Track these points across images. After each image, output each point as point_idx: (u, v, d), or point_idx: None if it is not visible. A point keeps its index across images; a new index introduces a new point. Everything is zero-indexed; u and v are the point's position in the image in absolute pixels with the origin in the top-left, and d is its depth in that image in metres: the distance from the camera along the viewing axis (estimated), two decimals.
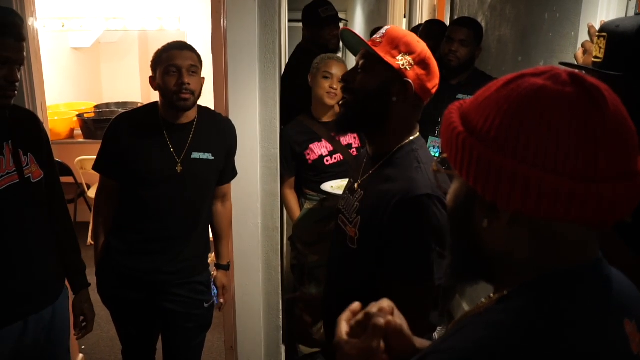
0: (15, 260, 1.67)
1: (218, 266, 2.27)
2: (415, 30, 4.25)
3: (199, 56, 1.97)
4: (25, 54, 1.57)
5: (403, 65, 1.36)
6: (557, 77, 0.63)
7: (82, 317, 1.97)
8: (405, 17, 6.05)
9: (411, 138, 1.41)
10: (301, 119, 2.67)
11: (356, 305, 0.89)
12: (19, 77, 1.56)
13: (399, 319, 0.88)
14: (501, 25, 2.88)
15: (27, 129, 1.74)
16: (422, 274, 1.31)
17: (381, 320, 0.83)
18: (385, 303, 0.88)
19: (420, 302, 1.34)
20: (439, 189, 1.30)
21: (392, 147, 1.40)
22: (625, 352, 0.65)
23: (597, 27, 1.86)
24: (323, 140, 2.64)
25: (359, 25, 9.23)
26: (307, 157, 2.61)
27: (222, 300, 2.26)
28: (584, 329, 0.63)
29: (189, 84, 1.89)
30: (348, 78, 1.43)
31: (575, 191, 0.59)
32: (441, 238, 1.30)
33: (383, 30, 1.41)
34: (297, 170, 2.69)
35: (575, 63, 1.60)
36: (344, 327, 0.86)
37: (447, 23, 3.72)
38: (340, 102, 1.46)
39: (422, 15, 5.32)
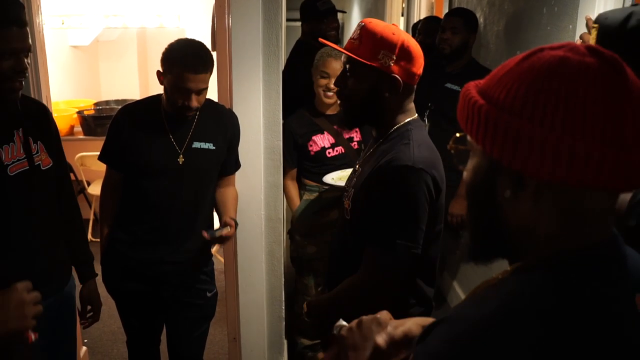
0: (22, 246, 1.67)
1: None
2: (414, 28, 4.29)
3: (211, 70, 1.94)
4: (30, 40, 1.54)
5: (386, 63, 1.44)
6: (576, 49, 0.65)
7: (89, 307, 1.98)
8: (402, 15, 6.09)
9: (408, 119, 1.51)
10: (304, 111, 2.71)
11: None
12: (27, 65, 1.53)
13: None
14: (499, 20, 2.92)
15: (37, 118, 1.75)
16: (391, 238, 1.41)
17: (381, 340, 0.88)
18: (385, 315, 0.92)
19: (387, 266, 1.44)
20: (431, 166, 1.41)
21: (391, 128, 1.51)
22: (637, 328, 0.65)
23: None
24: (325, 132, 2.68)
25: (356, 24, 9.24)
26: (310, 148, 2.65)
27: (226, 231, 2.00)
28: (602, 306, 0.64)
29: (196, 105, 1.92)
30: (340, 84, 1.53)
31: (606, 157, 0.60)
32: (414, 207, 1.40)
33: (358, 29, 1.47)
34: (298, 162, 2.72)
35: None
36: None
37: None
38: (339, 103, 1.58)
39: (420, 13, 5.35)
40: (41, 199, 1.72)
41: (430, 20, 3.66)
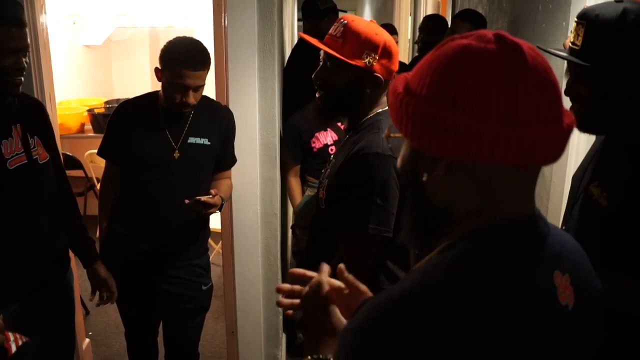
0: (22, 238, 1.73)
1: None
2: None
3: (209, 67, 1.98)
4: (29, 40, 1.63)
5: (369, 62, 1.48)
6: (483, 36, 0.68)
7: (103, 288, 2.06)
8: (410, 15, 6.09)
9: (379, 110, 1.56)
10: (311, 107, 2.74)
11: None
12: (25, 64, 1.62)
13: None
14: (498, 18, 2.93)
15: (34, 114, 1.82)
16: (358, 221, 1.46)
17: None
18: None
19: (356, 248, 1.48)
20: (391, 152, 1.45)
21: (362, 119, 1.56)
22: (552, 302, 0.69)
23: None
24: (329, 129, 2.73)
25: None
26: (313, 145, 2.70)
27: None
28: (512, 277, 0.67)
29: (193, 101, 1.97)
30: (321, 79, 1.57)
31: (498, 134, 0.63)
32: (384, 192, 1.44)
33: (341, 27, 1.51)
34: (302, 158, 2.77)
35: (547, 49, 1.63)
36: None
37: (449, 17, 3.76)
38: (317, 95, 1.61)
39: (427, 13, 5.36)
40: (39, 191, 1.78)
41: (430, 19, 3.67)
